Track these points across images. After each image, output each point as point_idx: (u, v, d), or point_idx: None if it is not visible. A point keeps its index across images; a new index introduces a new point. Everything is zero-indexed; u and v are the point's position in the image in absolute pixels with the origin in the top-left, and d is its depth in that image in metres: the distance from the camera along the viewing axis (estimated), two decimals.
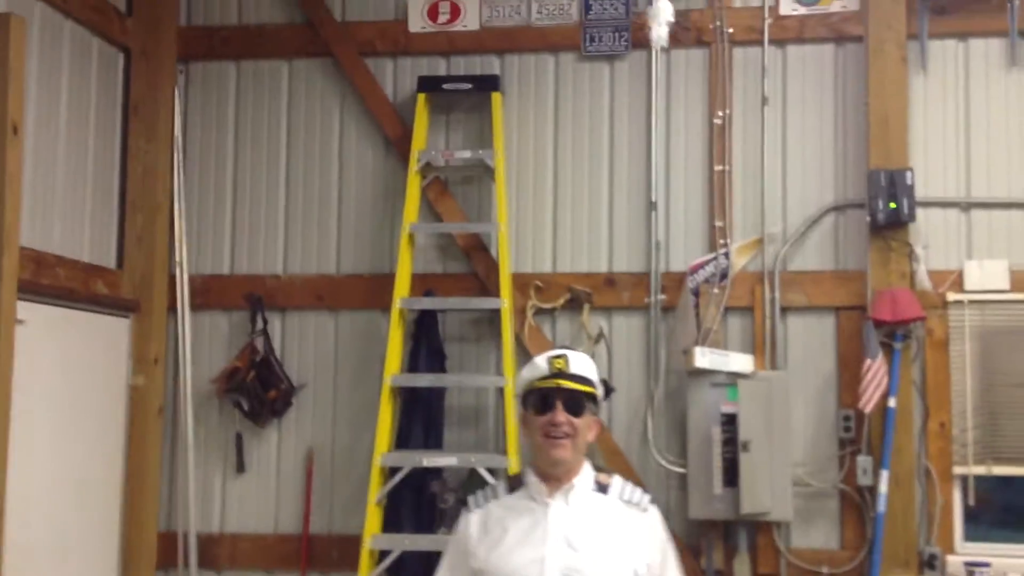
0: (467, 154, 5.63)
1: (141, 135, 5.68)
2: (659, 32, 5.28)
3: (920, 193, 5.29)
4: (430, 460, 5.18)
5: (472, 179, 5.77)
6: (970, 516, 5.24)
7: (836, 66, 5.59)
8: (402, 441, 5.40)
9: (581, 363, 3.08)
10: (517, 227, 5.67)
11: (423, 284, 5.60)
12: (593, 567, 2.92)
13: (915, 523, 5.16)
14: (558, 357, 3.06)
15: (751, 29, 5.61)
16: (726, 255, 5.44)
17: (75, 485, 5.09)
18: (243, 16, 5.98)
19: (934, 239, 5.35)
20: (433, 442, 5.45)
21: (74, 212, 5.23)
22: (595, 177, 5.69)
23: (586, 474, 3.08)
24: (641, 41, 5.66)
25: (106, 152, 5.53)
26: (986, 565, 5.00)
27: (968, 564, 5.03)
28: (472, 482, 5.16)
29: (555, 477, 3.03)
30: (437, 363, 5.53)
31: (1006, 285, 5.28)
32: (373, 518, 5.15)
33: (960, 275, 5.32)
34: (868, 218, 5.28)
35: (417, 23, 5.85)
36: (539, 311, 5.57)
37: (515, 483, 3.12)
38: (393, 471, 5.19)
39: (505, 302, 5.34)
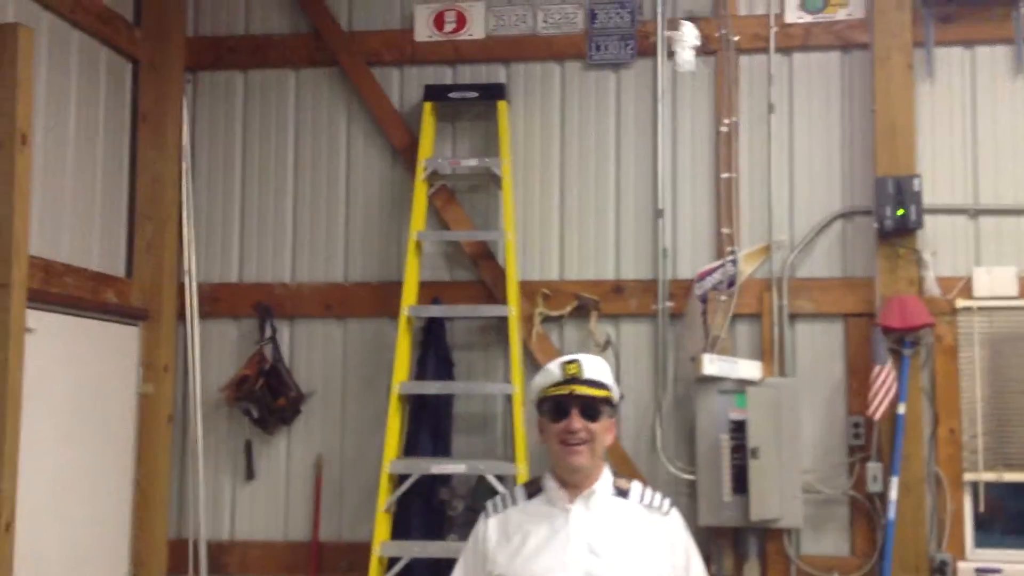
0: (474, 162, 5.65)
1: (149, 144, 5.70)
2: (685, 56, 5.26)
3: (928, 200, 5.29)
4: (439, 467, 5.19)
5: (479, 187, 5.78)
6: (980, 522, 5.24)
7: (842, 74, 5.60)
8: (410, 448, 5.41)
9: (595, 367, 3.06)
10: (524, 235, 5.68)
11: (431, 292, 5.61)
12: (616, 574, 2.91)
13: (925, 529, 5.15)
14: (571, 363, 3.04)
15: (757, 37, 5.62)
16: (734, 262, 5.43)
17: (85, 493, 5.09)
18: (250, 26, 6.00)
19: (942, 246, 5.36)
20: (441, 449, 5.45)
21: (83, 221, 5.25)
22: (602, 185, 5.70)
23: (606, 479, 3.07)
24: (647, 49, 5.68)
25: (115, 161, 5.55)
26: (997, 571, 5.00)
27: (979, 570, 5.03)
28: (481, 489, 5.18)
29: (574, 483, 3.02)
30: (445, 370, 5.54)
31: (1015, 291, 5.28)
32: (382, 525, 5.15)
33: (969, 282, 5.32)
34: (876, 225, 5.28)
35: (423, 32, 5.87)
36: (546, 319, 5.57)
37: (534, 489, 3.11)
38: (402, 478, 5.19)
39: (512, 310, 5.34)
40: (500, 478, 5.07)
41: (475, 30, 5.86)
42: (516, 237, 5.57)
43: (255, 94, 5.96)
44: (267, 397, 5.57)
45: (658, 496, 3.10)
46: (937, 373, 5.28)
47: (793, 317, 5.44)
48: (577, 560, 2.92)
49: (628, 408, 5.43)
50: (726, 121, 5.59)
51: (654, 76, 5.68)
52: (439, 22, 5.87)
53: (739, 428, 5.18)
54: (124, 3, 5.60)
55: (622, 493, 3.07)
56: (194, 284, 5.78)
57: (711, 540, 5.27)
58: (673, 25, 5.51)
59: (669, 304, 5.51)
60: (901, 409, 5.12)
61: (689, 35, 5.22)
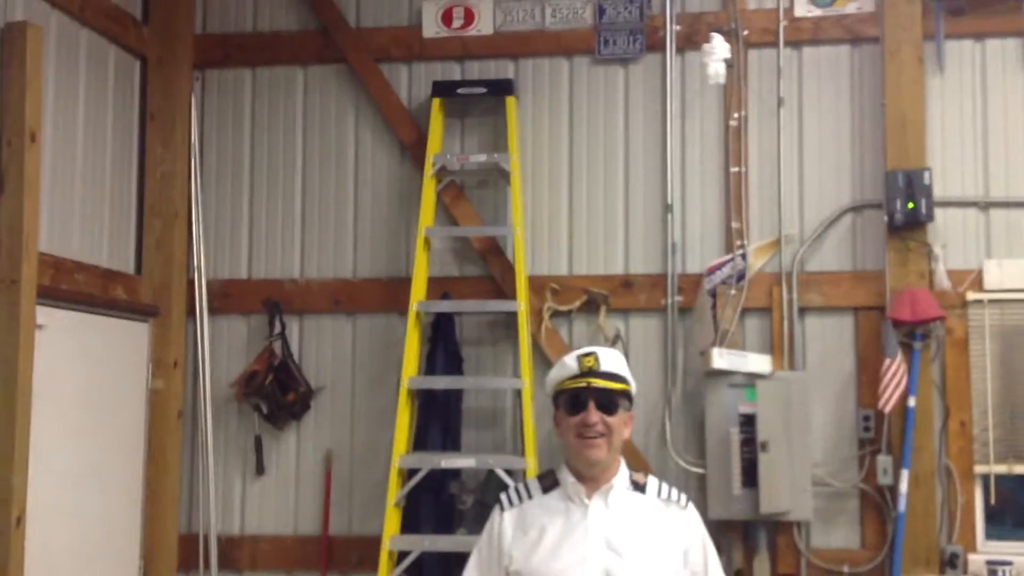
0: (482, 158, 5.64)
1: (158, 142, 5.71)
2: (716, 68, 5.25)
3: (938, 193, 5.27)
4: (448, 462, 5.19)
5: (487, 183, 5.77)
6: (991, 515, 5.23)
7: (852, 67, 5.59)
8: (420, 443, 5.42)
9: (612, 360, 3.03)
10: (533, 230, 5.67)
11: (440, 287, 5.62)
12: (636, 571, 2.89)
13: (936, 522, 5.14)
14: (588, 355, 3.01)
15: (766, 31, 5.61)
16: (743, 256, 5.43)
17: (96, 488, 5.10)
18: (258, 23, 6.01)
19: (953, 239, 5.34)
20: (451, 444, 5.46)
21: (92, 218, 5.26)
22: (610, 179, 5.69)
23: (623, 473, 3.04)
24: (655, 44, 5.68)
25: (124, 159, 5.56)
26: (1008, 563, 4.97)
27: (990, 563, 5.00)
28: (490, 483, 5.18)
29: (592, 477, 2.99)
30: (454, 366, 5.54)
31: None
32: (392, 519, 5.15)
33: (979, 274, 5.30)
34: (886, 218, 5.27)
35: (431, 28, 5.87)
36: (556, 313, 5.57)
37: (549, 483, 3.06)
38: (411, 473, 5.19)
39: (521, 305, 5.34)
40: (509, 472, 5.07)
41: (483, 26, 5.85)
42: (525, 232, 5.57)
43: (263, 91, 5.97)
44: (277, 392, 5.59)
45: (675, 490, 3.08)
46: (948, 366, 5.26)
47: (803, 311, 5.43)
48: (596, 556, 2.89)
49: (638, 402, 5.31)
50: (735, 115, 5.58)
51: (663, 71, 5.68)
52: (447, 18, 5.87)
53: (749, 422, 5.17)
54: (132, 1, 5.63)
55: (639, 487, 3.05)
56: (203, 280, 5.79)
57: (721, 533, 5.24)
58: (688, 30, 5.54)
59: (678, 298, 5.50)
60: (911, 402, 5.11)
61: (719, 47, 5.20)
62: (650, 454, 5.44)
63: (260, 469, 5.69)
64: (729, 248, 5.49)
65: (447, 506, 5.34)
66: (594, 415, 2.94)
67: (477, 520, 4.86)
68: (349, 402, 5.72)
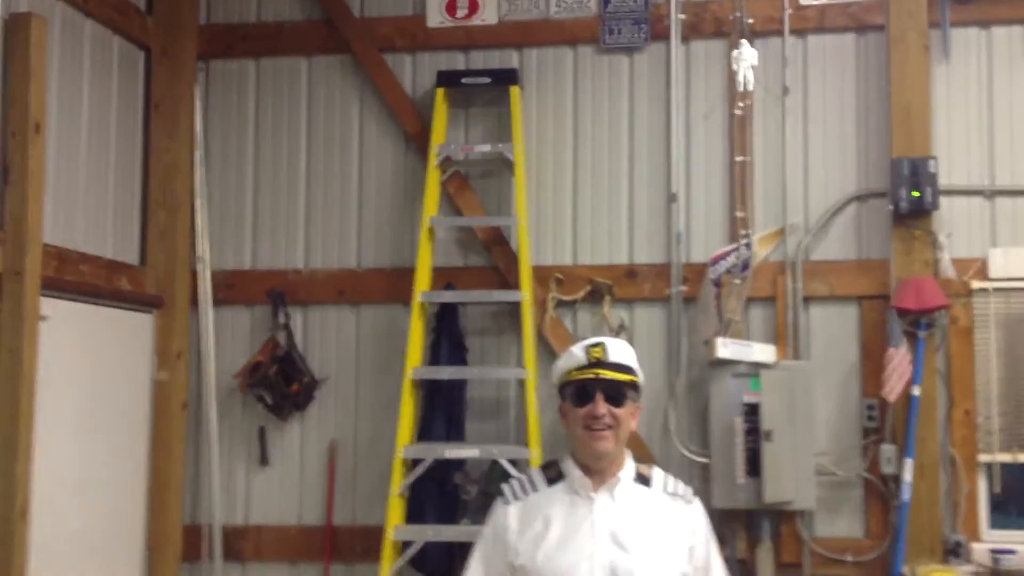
0: (486, 148, 5.63)
1: (162, 133, 5.72)
2: (746, 75, 5.23)
3: (943, 181, 5.26)
4: (452, 452, 5.19)
5: (492, 173, 5.77)
6: (995, 504, 5.21)
7: (857, 55, 5.56)
8: (424, 433, 5.42)
9: (620, 351, 2.99)
10: (537, 220, 5.66)
11: (444, 278, 5.61)
12: (642, 568, 2.86)
13: (940, 511, 5.13)
14: (596, 346, 2.97)
15: (771, 19, 5.58)
16: (748, 246, 5.40)
17: (100, 479, 5.12)
18: (262, 14, 5.99)
19: (958, 227, 5.32)
20: (455, 434, 5.46)
21: (97, 209, 5.27)
22: (615, 169, 5.68)
23: (629, 466, 3.01)
24: (660, 33, 5.66)
25: (128, 150, 5.57)
26: (1012, 552, 4.97)
27: (994, 551, 5.00)
28: (494, 473, 5.19)
29: (598, 470, 2.95)
30: (458, 356, 5.54)
31: None
32: (396, 509, 5.16)
33: (984, 263, 5.28)
34: (891, 207, 5.24)
35: (435, 18, 5.86)
36: (560, 303, 5.57)
37: (554, 475, 3.02)
38: (415, 463, 5.20)
39: (526, 295, 5.34)
40: (514, 462, 5.08)
41: (487, 15, 5.84)
42: (529, 222, 5.56)
43: (267, 82, 5.97)
44: (281, 383, 5.59)
45: (681, 484, 3.05)
46: (952, 355, 5.25)
47: (807, 300, 5.42)
48: (602, 552, 2.87)
49: (642, 391, 5.41)
50: (740, 104, 5.55)
51: (667, 60, 5.66)
52: (451, 8, 5.86)
53: (753, 411, 5.16)
54: None
55: (644, 480, 3.02)
56: (207, 271, 5.79)
57: (724, 522, 5.25)
58: (694, 18, 5.54)
59: (683, 288, 5.49)
60: (916, 391, 5.09)
61: (748, 55, 5.18)
62: (654, 443, 5.43)
63: (264, 460, 5.70)
64: (734, 237, 5.47)
65: (451, 496, 5.34)
66: (602, 407, 2.91)
67: (481, 510, 4.86)
68: (353, 392, 5.72)
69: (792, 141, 5.54)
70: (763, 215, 5.52)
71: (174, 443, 5.62)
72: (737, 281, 5.38)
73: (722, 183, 5.58)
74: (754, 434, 5.14)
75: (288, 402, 5.63)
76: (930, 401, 5.15)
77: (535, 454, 5.09)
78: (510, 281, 5.52)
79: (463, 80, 5.71)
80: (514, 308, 5.45)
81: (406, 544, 5.15)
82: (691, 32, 5.64)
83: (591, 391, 2.93)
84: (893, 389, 5.02)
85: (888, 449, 5.17)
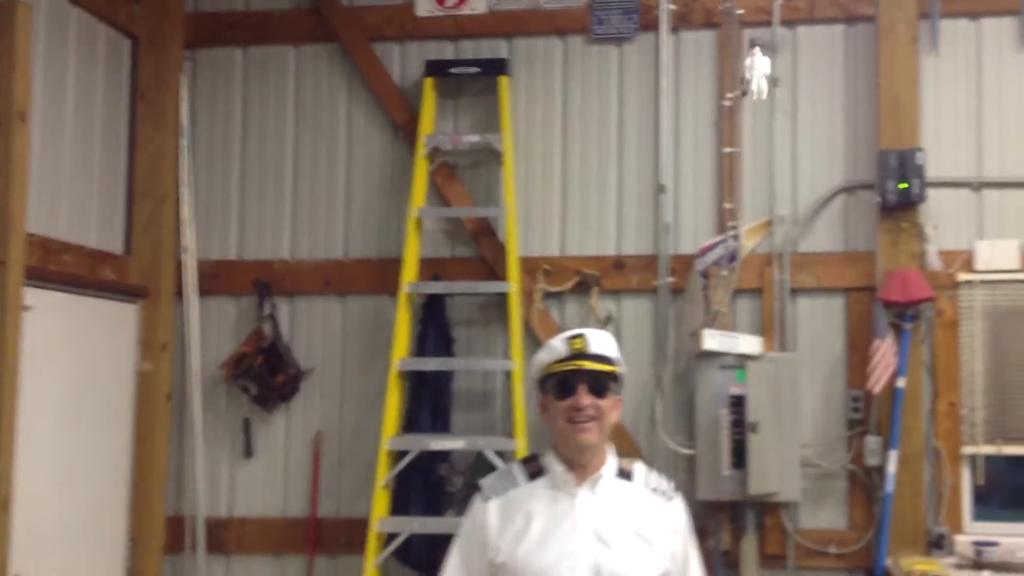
0: (475, 138, 5.62)
1: (148, 121, 5.69)
2: (758, 83, 5.21)
3: (931, 173, 5.25)
4: (438, 443, 5.19)
5: (480, 163, 5.75)
6: (979, 496, 5.22)
7: (846, 47, 5.55)
8: (410, 425, 5.41)
9: (601, 342, 2.94)
10: (525, 211, 5.65)
11: (431, 268, 5.60)
12: (624, 564, 2.82)
13: (923, 503, 5.14)
14: (577, 337, 2.92)
15: (761, 10, 5.56)
16: (735, 237, 5.40)
17: (83, 470, 5.10)
18: (250, 2, 5.97)
19: (945, 219, 5.32)
20: (441, 426, 5.45)
21: (81, 198, 5.24)
22: (604, 160, 5.67)
23: (611, 461, 2.97)
24: (650, 23, 5.65)
25: (113, 139, 5.54)
26: (994, 544, 4.97)
27: (976, 543, 5.00)
28: (480, 465, 5.17)
29: (580, 464, 2.91)
30: (445, 347, 5.53)
31: (1017, 265, 5.24)
32: (381, 501, 5.15)
33: (971, 255, 5.28)
34: (878, 199, 5.24)
35: (424, 7, 5.83)
36: (547, 295, 5.56)
37: (535, 469, 2.97)
38: (401, 455, 5.19)
39: (513, 286, 5.33)
40: (500, 454, 5.07)
41: (477, 5, 5.81)
42: (517, 213, 5.54)
43: (255, 71, 5.94)
44: (266, 374, 5.57)
45: (663, 480, 3.02)
46: (937, 347, 5.25)
47: (794, 292, 5.41)
48: (585, 549, 2.83)
49: (628, 383, 5.33)
50: (729, 95, 5.54)
51: (657, 51, 5.64)
52: None
53: (739, 403, 5.16)
54: None
55: (625, 475, 2.97)
56: (193, 261, 5.77)
57: (709, 514, 5.26)
58: (684, 9, 5.50)
59: (670, 279, 5.48)
60: (901, 383, 5.10)
61: (760, 64, 5.17)
62: (640, 435, 5.43)
63: (249, 451, 5.69)
64: (722, 229, 5.47)
65: (436, 488, 5.33)
66: (585, 398, 2.86)
67: (466, 502, 4.80)
68: (339, 384, 5.71)
69: (780, 133, 5.54)
70: (751, 207, 5.51)
71: (158, 434, 5.60)
72: (724, 273, 5.37)
73: (711, 174, 5.57)
74: (740, 426, 5.14)
75: (273, 393, 5.61)
76: (915, 393, 5.16)
77: (521, 446, 5.08)
78: (497, 272, 5.51)
79: (452, 70, 5.69)
80: (501, 299, 5.44)
81: (391, 536, 5.14)
82: (681, 23, 5.63)
83: (573, 383, 2.88)
84: (878, 381, 5.03)
85: (873, 441, 5.17)
